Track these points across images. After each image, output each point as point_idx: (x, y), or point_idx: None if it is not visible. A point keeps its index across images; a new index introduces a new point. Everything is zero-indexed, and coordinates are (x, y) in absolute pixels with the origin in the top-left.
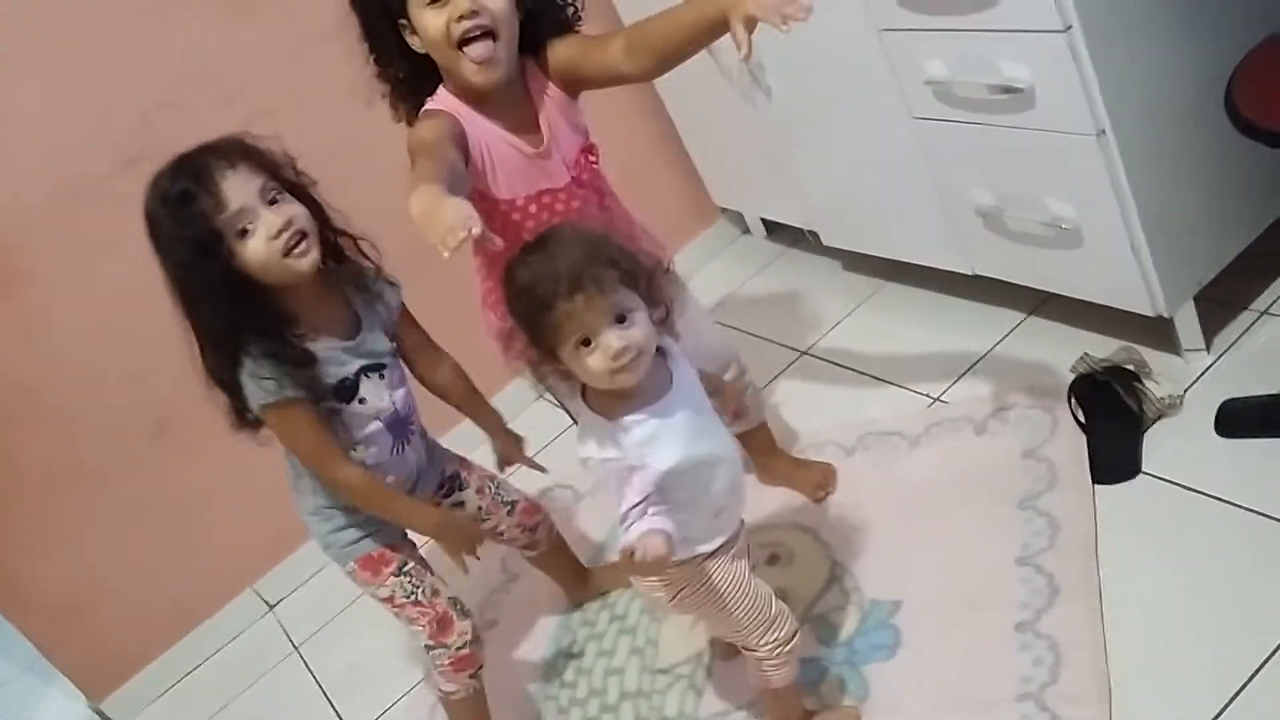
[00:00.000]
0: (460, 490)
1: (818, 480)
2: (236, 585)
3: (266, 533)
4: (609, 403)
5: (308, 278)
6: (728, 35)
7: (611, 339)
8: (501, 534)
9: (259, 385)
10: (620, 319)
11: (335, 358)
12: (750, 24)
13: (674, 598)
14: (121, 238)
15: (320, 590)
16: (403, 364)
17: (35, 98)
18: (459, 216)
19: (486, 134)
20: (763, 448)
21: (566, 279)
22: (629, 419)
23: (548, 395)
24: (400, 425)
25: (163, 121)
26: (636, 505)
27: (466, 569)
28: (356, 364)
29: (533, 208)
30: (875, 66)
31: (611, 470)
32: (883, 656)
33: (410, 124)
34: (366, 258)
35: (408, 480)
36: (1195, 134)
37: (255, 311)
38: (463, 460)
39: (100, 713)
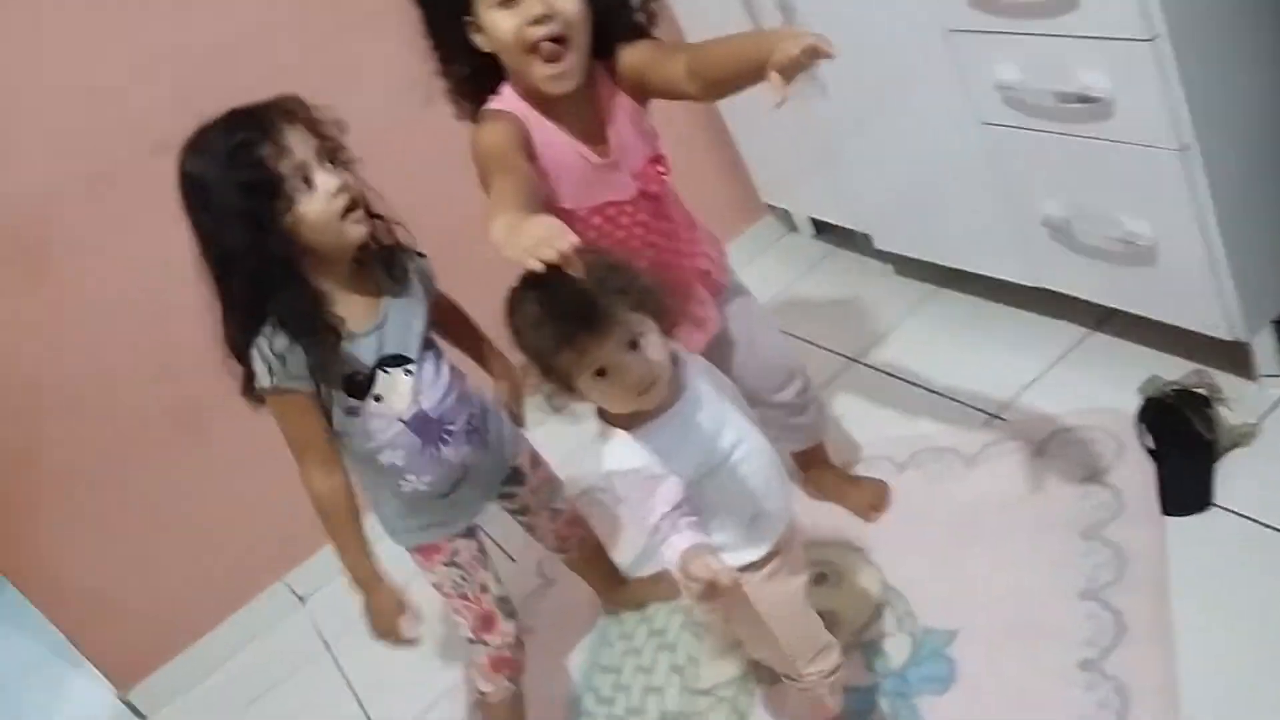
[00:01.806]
0: (518, 484)
1: (870, 498)
2: (268, 577)
3: (299, 524)
4: (626, 416)
5: (351, 251)
6: None
7: (629, 367)
8: (535, 531)
9: (264, 366)
10: (633, 345)
11: (352, 348)
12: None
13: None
14: (151, 224)
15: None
16: (445, 364)
17: (64, 80)
18: (553, 229)
19: (552, 140)
20: (813, 461)
21: (576, 316)
22: (646, 429)
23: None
24: (431, 427)
25: (197, 104)
26: (666, 515)
27: (392, 644)
28: (374, 357)
29: (596, 219)
30: (941, 68)
31: (635, 483)
32: (936, 689)
33: (474, 120)
34: (399, 244)
35: (447, 480)
36: None
37: (287, 281)
38: (535, 458)
39: (128, 702)
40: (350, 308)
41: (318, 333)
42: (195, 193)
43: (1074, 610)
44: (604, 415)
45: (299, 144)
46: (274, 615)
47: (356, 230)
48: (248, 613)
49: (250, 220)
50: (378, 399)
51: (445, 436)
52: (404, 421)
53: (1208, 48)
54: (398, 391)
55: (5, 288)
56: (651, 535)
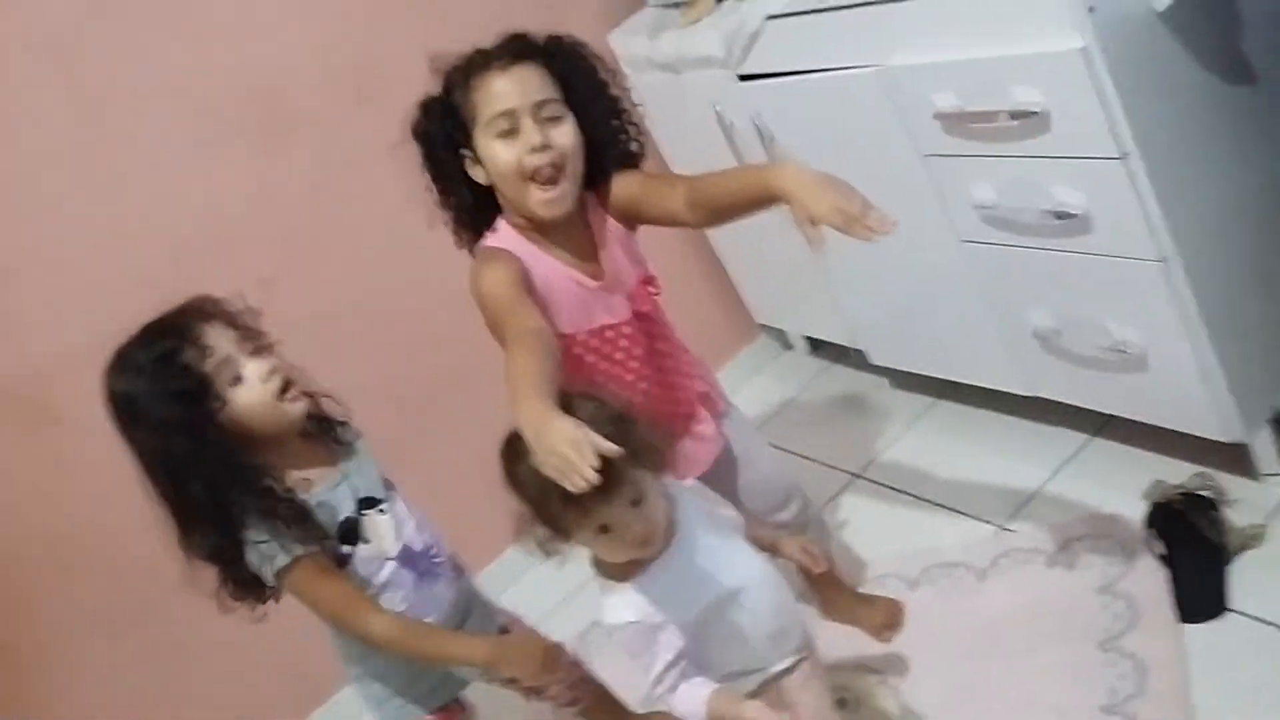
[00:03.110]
0: None
1: (883, 618)
2: (291, 714)
3: (316, 665)
4: (622, 566)
5: (296, 427)
6: None
7: (631, 525)
8: (540, 694)
9: (263, 552)
10: (636, 502)
11: (330, 499)
12: (816, 223)
13: None
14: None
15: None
16: (404, 500)
17: (68, 236)
18: (577, 445)
19: (548, 270)
20: (824, 581)
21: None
22: (643, 578)
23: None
24: (419, 560)
25: (197, 261)
26: (669, 665)
27: (541, 694)
28: (352, 502)
29: (594, 342)
30: (921, 190)
31: (634, 635)
32: None
33: (471, 252)
34: (327, 416)
35: (451, 619)
36: (1264, 254)
37: (243, 472)
38: (509, 613)
39: None
40: (311, 467)
41: (285, 507)
42: (127, 412)
43: None
44: (599, 565)
45: (219, 340)
46: None
47: (296, 407)
48: None
49: (189, 427)
50: (366, 541)
51: (435, 568)
52: (394, 559)
53: (1179, 161)
54: (379, 532)
55: (13, 446)
56: (654, 686)
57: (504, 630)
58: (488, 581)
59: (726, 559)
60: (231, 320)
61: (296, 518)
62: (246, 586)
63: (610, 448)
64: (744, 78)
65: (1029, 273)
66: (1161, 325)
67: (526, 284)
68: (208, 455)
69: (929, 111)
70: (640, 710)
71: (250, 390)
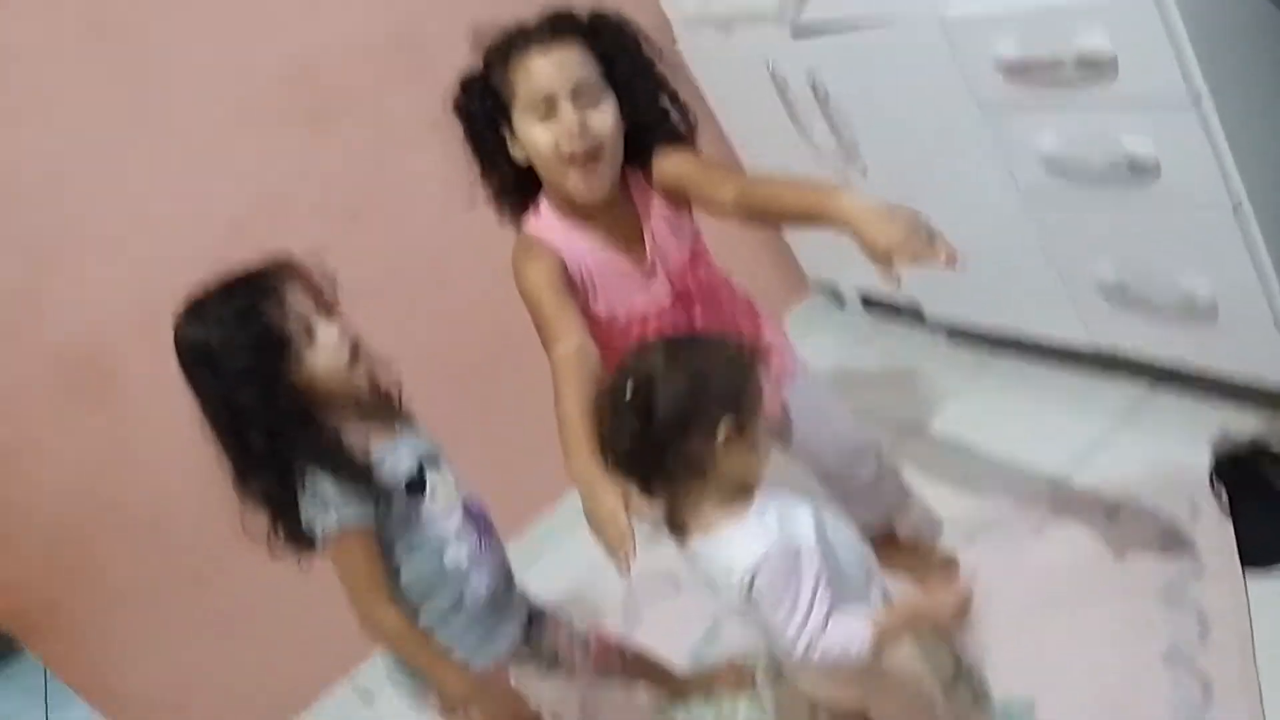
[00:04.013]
0: (540, 627)
1: (940, 572)
2: (333, 675)
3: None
4: (732, 502)
5: (360, 393)
6: None
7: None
8: (573, 670)
9: (322, 507)
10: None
11: (393, 455)
12: (886, 261)
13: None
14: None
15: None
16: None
17: (126, 211)
18: (619, 530)
19: (587, 256)
20: (885, 533)
21: (743, 368)
22: (755, 507)
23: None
24: (476, 518)
25: (252, 232)
26: (818, 592)
27: None
28: (415, 456)
29: (634, 326)
30: (981, 141)
31: (776, 562)
32: None
33: (515, 226)
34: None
35: (499, 577)
36: None
37: (308, 429)
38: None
39: None
40: (368, 432)
41: (345, 461)
42: (199, 359)
43: (1159, 678)
44: (684, 522)
45: (298, 299)
46: (340, 715)
47: (363, 373)
48: (313, 713)
49: (263, 378)
50: (433, 499)
51: (489, 528)
52: (459, 511)
53: (1252, 105)
54: (445, 485)
55: (74, 412)
56: (806, 620)
57: (539, 612)
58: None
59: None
60: (310, 282)
61: (359, 474)
62: (296, 539)
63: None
64: (797, 35)
65: (1094, 224)
66: (1233, 274)
67: (564, 278)
68: (274, 410)
69: (991, 62)
70: (791, 660)
71: (324, 353)
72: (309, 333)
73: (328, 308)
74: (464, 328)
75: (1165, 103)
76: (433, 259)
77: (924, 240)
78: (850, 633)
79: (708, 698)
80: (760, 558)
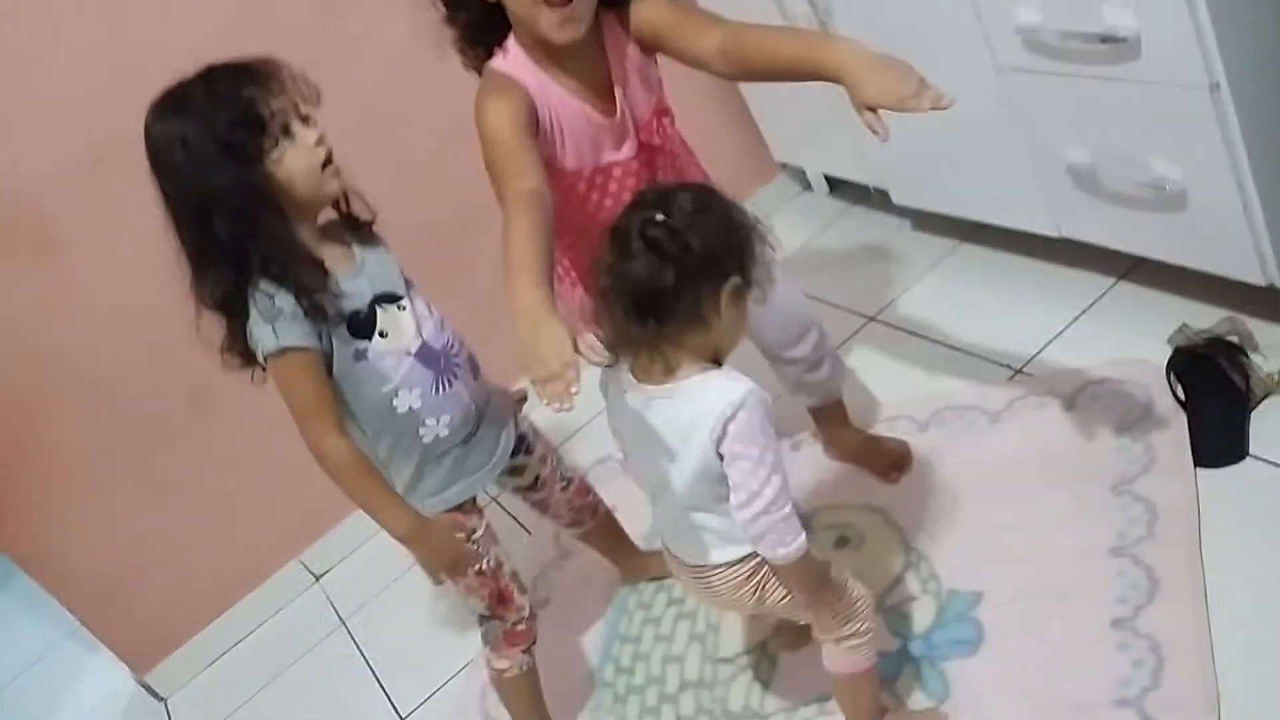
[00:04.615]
0: (526, 454)
1: (892, 459)
2: (283, 556)
3: (313, 501)
4: (706, 362)
5: (325, 204)
6: None
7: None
8: (548, 508)
9: (267, 327)
10: None
11: (346, 290)
12: (874, 108)
13: (757, 593)
14: (153, 201)
15: (369, 561)
16: (424, 299)
17: (66, 56)
18: (561, 357)
19: (558, 103)
20: (834, 420)
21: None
22: (728, 368)
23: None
24: (436, 359)
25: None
26: (778, 456)
27: (439, 581)
28: (368, 295)
29: (599, 179)
30: (958, 12)
31: (760, 401)
32: (964, 653)
33: (478, 72)
34: (353, 213)
35: (465, 420)
36: None
37: (270, 226)
38: (535, 428)
39: (145, 684)
40: (328, 255)
41: (306, 264)
42: (174, 140)
43: (1104, 567)
44: (653, 372)
45: (280, 96)
46: (290, 593)
47: (333, 184)
48: (264, 592)
49: (236, 152)
50: (383, 335)
51: (454, 368)
52: (412, 355)
53: None
54: (399, 327)
55: (10, 274)
56: (771, 477)
57: (522, 437)
58: None
59: None
60: (296, 85)
61: (308, 287)
62: (245, 353)
63: (601, 358)
64: None
65: (1068, 103)
66: (1205, 160)
67: (531, 120)
68: (241, 197)
69: None
70: (743, 532)
71: (298, 151)
72: (286, 131)
73: (306, 117)
74: (433, 186)
75: None
76: (396, 108)
77: (915, 88)
78: (796, 527)
79: (659, 579)
80: (744, 394)
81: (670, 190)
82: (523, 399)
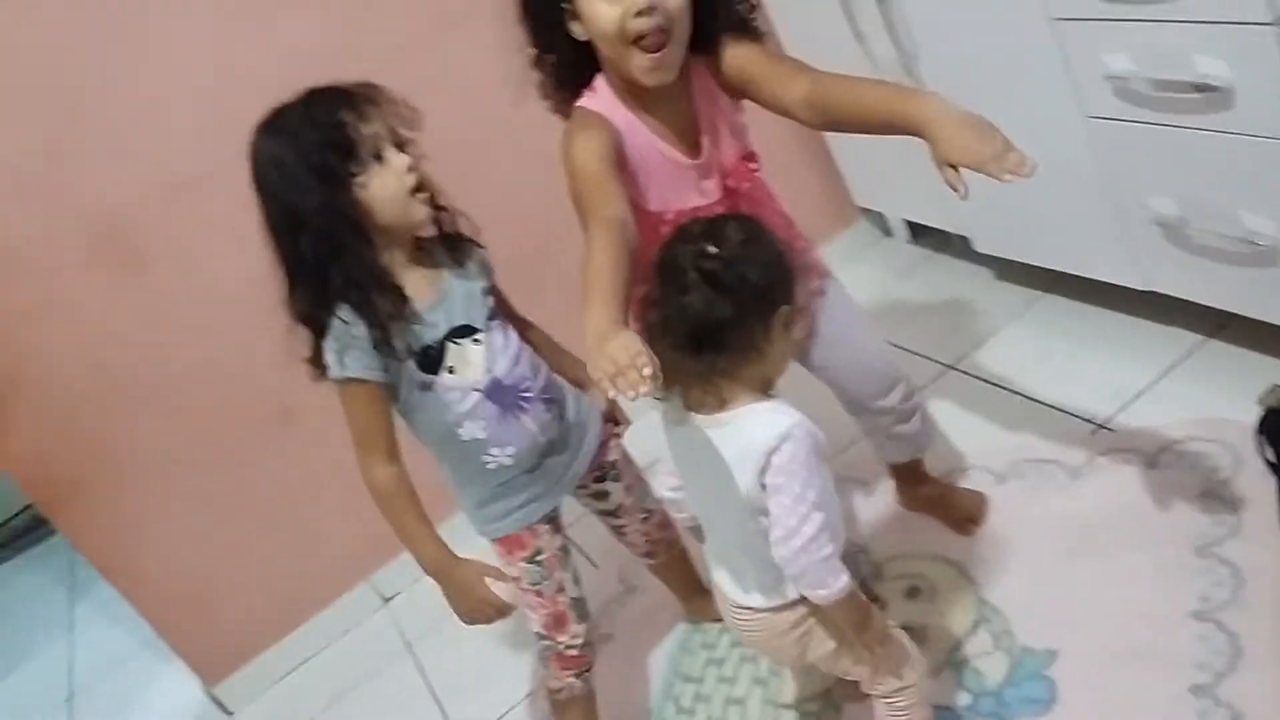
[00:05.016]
0: (612, 481)
1: (968, 510)
2: (353, 578)
3: (385, 524)
4: (757, 393)
5: (415, 230)
6: None
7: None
8: (625, 535)
9: (335, 355)
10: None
11: (420, 323)
12: (955, 165)
13: (799, 645)
14: (246, 223)
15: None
16: (512, 332)
17: (159, 81)
18: (632, 354)
19: (644, 144)
20: (910, 469)
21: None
22: (778, 400)
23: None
24: (507, 394)
25: None
26: (823, 494)
27: (487, 621)
28: (443, 329)
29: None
30: (1046, 59)
31: (801, 438)
32: (1036, 712)
33: (563, 115)
34: (460, 233)
35: (531, 451)
36: None
37: (358, 243)
38: (627, 456)
39: (214, 697)
40: (413, 283)
41: (385, 293)
42: (270, 160)
43: (1186, 632)
44: (713, 398)
45: (375, 121)
46: (359, 615)
47: (421, 211)
48: (333, 611)
49: (325, 175)
50: (451, 371)
51: (523, 403)
52: (480, 390)
53: None
54: (470, 362)
55: (105, 287)
56: (802, 519)
57: (612, 463)
58: None
59: None
60: (392, 112)
61: (387, 316)
62: (323, 369)
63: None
64: None
65: (1158, 153)
66: None
67: (618, 156)
68: (330, 210)
69: None
70: (784, 570)
71: (388, 175)
72: (378, 157)
73: (401, 143)
74: (511, 221)
75: (1242, 21)
76: (476, 151)
77: (997, 150)
78: (837, 568)
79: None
80: (790, 425)
81: (716, 221)
82: (614, 420)
